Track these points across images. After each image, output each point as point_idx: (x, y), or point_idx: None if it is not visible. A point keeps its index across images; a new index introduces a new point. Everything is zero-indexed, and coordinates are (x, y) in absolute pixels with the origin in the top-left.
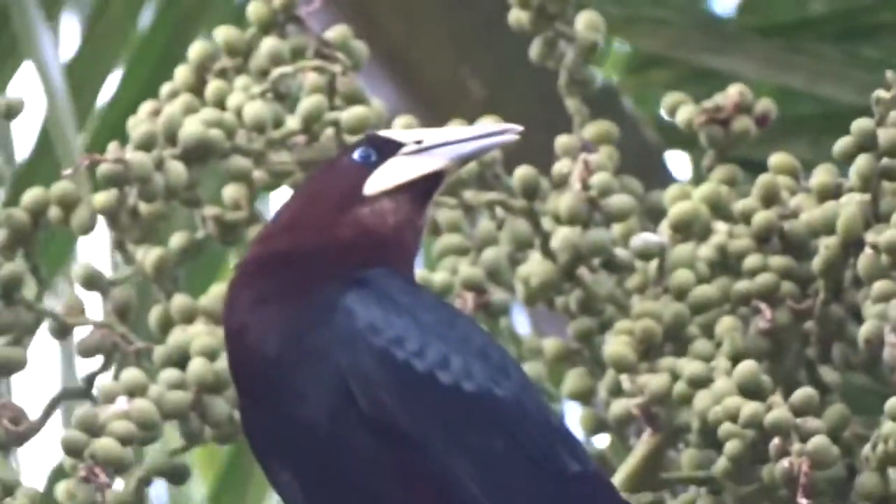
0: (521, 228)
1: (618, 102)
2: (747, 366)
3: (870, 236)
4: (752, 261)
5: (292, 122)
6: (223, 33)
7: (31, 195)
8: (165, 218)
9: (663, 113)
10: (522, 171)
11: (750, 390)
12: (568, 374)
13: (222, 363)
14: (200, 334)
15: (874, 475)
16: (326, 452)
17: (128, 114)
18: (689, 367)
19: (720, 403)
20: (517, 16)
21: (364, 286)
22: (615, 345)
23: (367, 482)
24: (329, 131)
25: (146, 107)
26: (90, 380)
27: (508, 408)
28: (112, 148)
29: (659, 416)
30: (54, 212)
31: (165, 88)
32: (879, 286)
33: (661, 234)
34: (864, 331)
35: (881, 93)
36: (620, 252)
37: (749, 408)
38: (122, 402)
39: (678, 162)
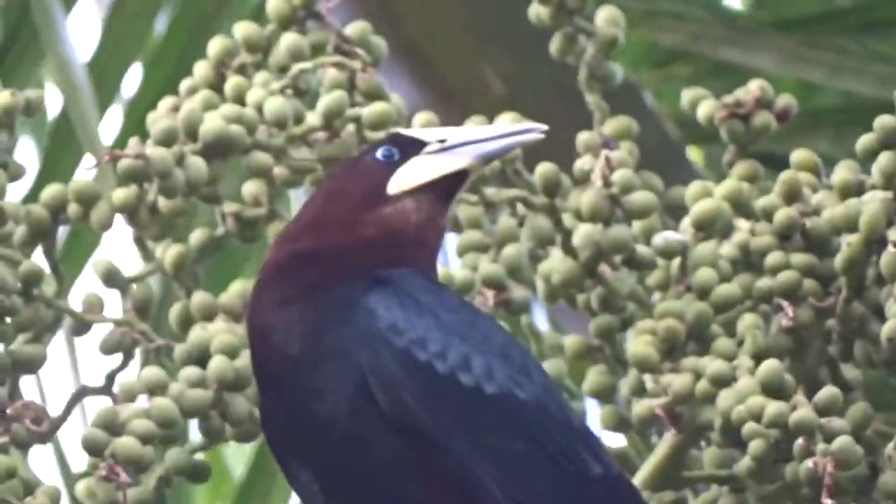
0: (542, 225)
1: (638, 97)
2: (770, 365)
3: (892, 234)
4: (774, 258)
5: (313, 118)
6: (242, 29)
7: (50, 191)
8: (185, 214)
9: (684, 108)
10: (544, 168)
11: (773, 389)
12: (588, 372)
13: (243, 361)
14: (221, 332)
15: None
16: (346, 452)
17: (148, 111)
18: (712, 366)
19: (743, 402)
20: (537, 11)
21: (386, 286)
22: (638, 345)
23: (387, 482)
24: (350, 127)
25: (166, 103)
26: (110, 377)
27: (530, 409)
28: (132, 143)
29: (682, 416)
30: (73, 208)
31: (185, 84)
32: None
33: (683, 232)
34: (886, 328)
35: None
36: (642, 249)
37: (773, 407)
38: (142, 401)
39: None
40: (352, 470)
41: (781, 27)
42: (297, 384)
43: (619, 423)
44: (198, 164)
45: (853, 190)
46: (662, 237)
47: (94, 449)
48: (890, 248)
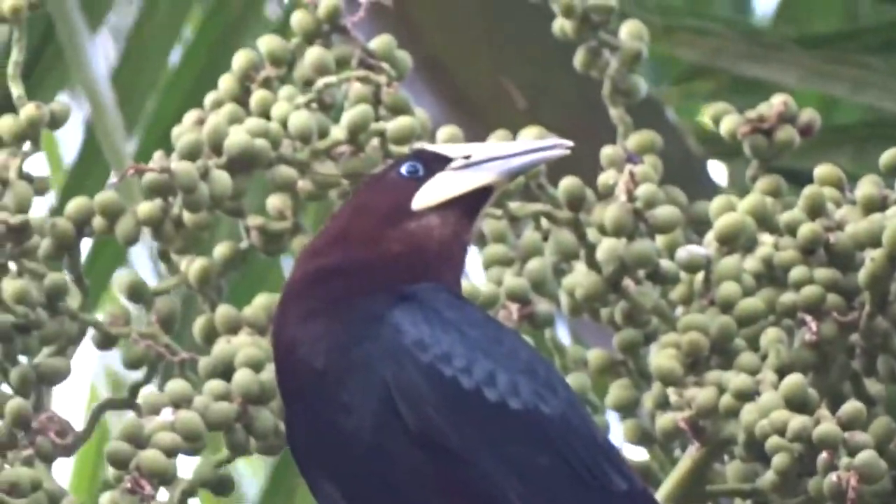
0: (566, 239)
1: (660, 112)
2: (794, 379)
3: None
4: (797, 273)
5: (337, 132)
6: (267, 43)
7: (75, 204)
8: (209, 228)
9: (707, 123)
10: (568, 182)
11: (797, 403)
12: (612, 386)
13: (267, 374)
14: (245, 345)
15: None
16: (371, 466)
17: (172, 125)
18: (736, 380)
19: (767, 417)
20: (561, 24)
21: (411, 301)
22: (662, 358)
23: (411, 497)
24: (374, 141)
25: (190, 116)
26: (135, 390)
27: (554, 425)
28: (157, 157)
29: (706, 429)
30: (98, 221)
31: (209, 98)
32: None
33: (707, 246)
34: None
35: None
36: (665, 263)
37: (797, 422)
38: (166, 413)
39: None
40: (376, 484)
41: (804, 43)
42: (322, 398)
43: (643, 437)
44: (222, 177)
45: (877, 205)
46: (686, 251)
47: (118, 462)
48: None
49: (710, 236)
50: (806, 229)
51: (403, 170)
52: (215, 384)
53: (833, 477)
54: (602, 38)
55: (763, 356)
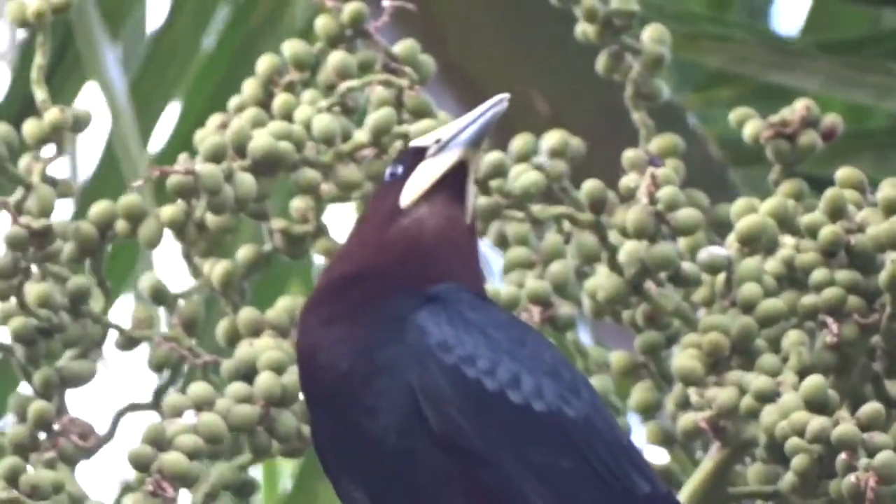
0: (587, 242)
1: (681, 117)
2: (814, 380)
3: None
4: (818, 275)
5: (361, 134)
6: (291, 47)
7: (99, 208)
8: (232, 231)
9: (730, 127)
10: (590, 185)
11: (817, 405)
12: (634, 388)
13: (290, 377)
14: (268, 348)
15: None
16: (396, 468)
17: (194, 130)
18: (756, 381)
19: (787, 418)
20: (583, 28)
21: (435, 303)
22: (683, 358)
23: (436, 499)
24: (397, 144)
25: (214, 119)
26: (157, 393)
27: (579, 427)
28: (182, 159)
29: (727, 430)
30: (121, 225)
31: (233, 102)
32: None
33: (728, 248)
34: None
35: None
36: (687, 265)
37: (816, 423)
38: (189, 416)
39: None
40: (401, 486)
41: (827, 49)
42: (346, 401)
43: (665, 439)
44: (247, 180)
45: None
46: (707, 252)
47: (141, 464)
48: None
49: (731, 237)
50: (827, 231)
51: (387, 175)
52: (238, 387)
53: (852, 478)
54: (624, 42)
55: (784, 358)
